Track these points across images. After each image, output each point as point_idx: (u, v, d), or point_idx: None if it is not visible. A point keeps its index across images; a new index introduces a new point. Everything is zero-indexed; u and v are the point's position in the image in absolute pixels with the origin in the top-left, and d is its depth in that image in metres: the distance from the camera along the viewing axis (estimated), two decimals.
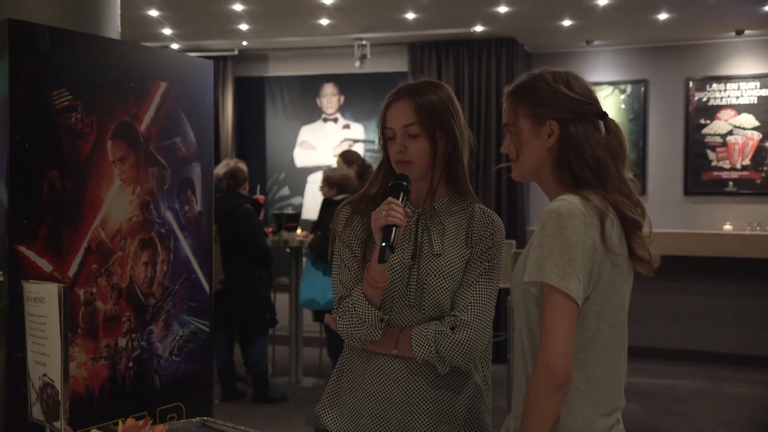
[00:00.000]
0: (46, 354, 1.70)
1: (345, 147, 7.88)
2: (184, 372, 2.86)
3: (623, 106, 7.49)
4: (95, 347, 2.55)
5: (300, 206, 8.03)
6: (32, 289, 1.75)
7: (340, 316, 1.94)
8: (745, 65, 7.15)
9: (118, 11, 2.84)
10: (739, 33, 6.94)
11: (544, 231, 1.64)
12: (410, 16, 6.49)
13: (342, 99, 8.01)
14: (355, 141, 7.94)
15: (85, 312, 2.51)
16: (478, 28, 6.92)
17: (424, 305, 1.94)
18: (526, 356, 1.72)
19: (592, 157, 1.73)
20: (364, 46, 7.12)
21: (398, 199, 1.86)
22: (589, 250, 1.62)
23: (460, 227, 1.97)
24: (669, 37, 7.11)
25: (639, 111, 7.44)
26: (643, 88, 7.42)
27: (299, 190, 8.18)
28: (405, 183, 1.90)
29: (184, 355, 2.86)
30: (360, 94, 7.90)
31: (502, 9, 6.19)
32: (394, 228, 1.81)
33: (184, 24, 6.82)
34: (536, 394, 1.60)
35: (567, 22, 6.60)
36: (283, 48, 7.92)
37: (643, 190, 7.41)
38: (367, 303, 1.88)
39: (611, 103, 7.50)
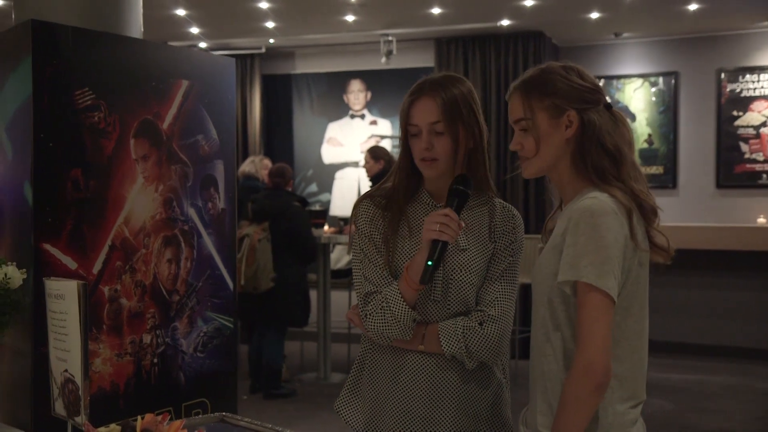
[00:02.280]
0: (66, 350, 1.72)
1: (373, 143, 7.90)
2: (209, 368, 2.88)
3: (654, 98, 7.41)
4: (120, 343, 2.58)
5: (328, 203, 8.06)
6: (53, 286, 1.78)
7: (370, 314, 1.92)
8: None
9: (141, 11, 2.87)
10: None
11: (577, 230, 1.63)
12: (436, 11, 6.48)
13: (369, 95, 8.02)
14: (383, 137, 7.95)
15: (109, 309, 2.55)
16: (505, 22, 6.88)
17: (449, 301, 1.94)
18: (550, 352, 1.71)
19: (612, 145, 1.72)
20: (390, 41, 7.12)
21: (457, 209, 1.86)
22: (622, 248, 1.62)
23: (482, 222, 1.97)
24: (699, 28, 7.02)
25: (669, 103, 7.36)
26: (673, 81, 7.34)
27: (327, 186, 8.20)
28: (463, 188, 1.89)
29: (208, 352, 2.89)
30: (386, 90, 7.91)
31: (529, 2, 6.16)
32: (441, 244, 1.81)
33: (210, 23, 6.87)
34: (575, 394, 1.60)
35: (595, 15, 6.54)
36: (310, 45, 7.94)
37: (674, 184, 7.33)
38: (404, 302, 1.88)
39: (641, 95, 7.42)
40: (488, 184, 2.01)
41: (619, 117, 1.78)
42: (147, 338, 2.68)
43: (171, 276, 2.73)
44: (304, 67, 8.23)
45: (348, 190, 8.09)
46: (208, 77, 2.81)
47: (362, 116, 8.05)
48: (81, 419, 1.68)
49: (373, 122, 8.01)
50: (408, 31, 7.16)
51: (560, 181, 1.80)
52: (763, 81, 7.09)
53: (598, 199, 1.65)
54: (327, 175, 8.21)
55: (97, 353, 2.50)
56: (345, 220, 6.70)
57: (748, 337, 6.88)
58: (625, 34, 7.31)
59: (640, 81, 7.45)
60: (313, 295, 6.64)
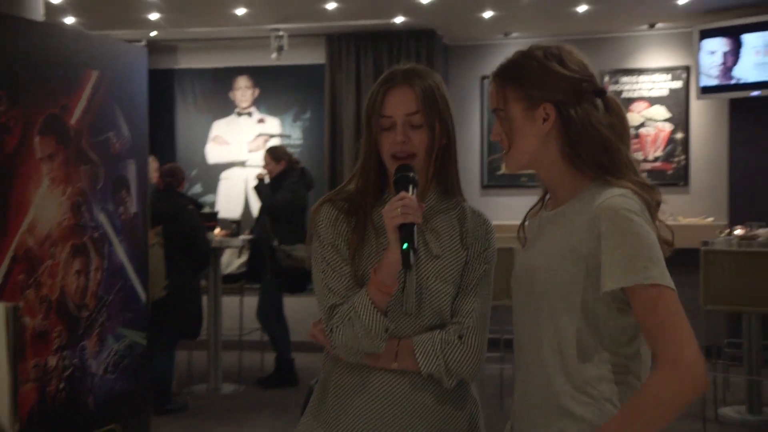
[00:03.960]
0: None
1: (261, 142, 7.62)
2: (120, 390, 2.61)
3: None
4: (22, 369, 2.27)
5: (213, 204, 7.71)
6: None
7: (336, 327, 1.73)
8: (656, 58, 7.24)
9: None
10: (652, 26, 7.05)
11: (615, 230, 1.48)
12: (329, 6, 6.30)
13: (257, 92, 7.73)
14: (271, 136, 7.68)
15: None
16: (399, 20, 6.78)
17: (423, 313, 1.76)
18: (558, 364, 1.55)
19: (600, 140, 1.58)
20: (281, 37, 6.87)
21: (409, 192, 1.68)
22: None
23: (453, 228, 1.81)
24: (584, 29, 7.15)
25: None
26: None
27: (212, 187, 7.85)
28: (411, 174, 1.71)
29: (119, 372, 2.61)
30: (275, 87, 7.64)
31: (425, 0, 6.07)
32: (409, 226, 1.63)
33: (89, 11, 6.42)
34: (671, 404, 1.42)
35: (488, 14, 6.54)
36: (195, 39, 7.58)
37: None
38: (374, 309, 1.69)
39: None
40: (458, 188, 1.85)
41: (613, 105, 1.63)
42: (53, 361, 2.38)
43: (80, 289, 2.44)
44: (188, 62, 7.85)
45: (234, 191, 7.78)
46: (119, 67, 2.53)
47: (249, 114, 7.75)
48: None
49: (261, 120, 7.73)
50: (300, 26, 6.93)
51: (551, 179, 1.65)
52: (642, 83, 7.29)
53: (625, 197, 1.51)
54: (212, 175, 7.86)
55: None
56: (238, 222, 6.41)
57: None
58: (514, 34, 7.35)
59: None
60: (203, 301, 6.33)
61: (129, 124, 2.56)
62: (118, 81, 2.52)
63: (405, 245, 1.62)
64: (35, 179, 2.25)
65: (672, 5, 6.37)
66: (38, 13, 2.51)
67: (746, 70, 6.55)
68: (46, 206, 2.29)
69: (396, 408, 1.75)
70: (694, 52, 6.81)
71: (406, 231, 1.63)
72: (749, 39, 6.57)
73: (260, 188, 6.16)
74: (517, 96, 1.60)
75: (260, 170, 6.29)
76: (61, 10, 6.25)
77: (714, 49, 6.68)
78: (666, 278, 1.45)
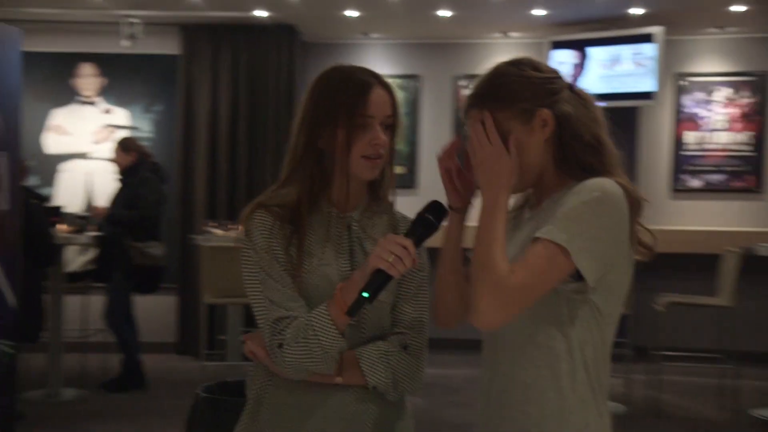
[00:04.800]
0: None
1: (106, 133, 7.22)
2: None
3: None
4: None
5: (49, 197, 7.21)
6: None
7: (288, 343, 1.60)
8: None
9: None
10: (506, 34, 7.27)
11: (579, 197, 1.46)
12: None
13: (103, 81, 7.30)
14: (119, 127, 7.28)
15: None
16: (259, 13, 6.61)
17: (364, 325, 1.67)
18: (539, 359, 1.53)
19: (591, 135, 1.56)
20: (134, 24, 6.52)
21: (418, 242, 1.58)
22: (617, 240, 1.49)
23: (386, 233, 1.73)
24: (443, 34, 7.28)
25: (412, 106, 7.54)
26: (415, 84, 7.52)
27: (50, 179, 7.34)
28: (436, 222, 1.61)
29: None
30: (124, 76, 7.25)
31: None
32: (386, 278, 1.54)
33: None
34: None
35: (350, 13, 6.51)
36: (34, 20, 7.05)
37: (415, 184, 7.53)
38: (335, 329, 1.58)
39: None
40: (388, 195, 1.77)
41: (585, 96, 1.61)
42: None
43: None
44: (27, 44, 7.28)
45: (74, 184, 7.32)
46: None
47: (95, 104, 7.31)
48: None
49: (108, 111, 7.30)
50: (154, 14, 6.61)
51: (541, 185, 1.61)
52: None
53: (610, 183, 1.49)
54: (49, 166, 7.35)
55: None
56: (85, 218, 6.02)
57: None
58: (374, 35, 7.37)
59: None
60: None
61: (1, 112, 2.31)
62: None
63: (366, 294, 1.53)
64: None
65: (526, 16, 6.61)
66: None
67: (592, 82, 6.88)
68: None
69: (339, 424, 1.66)
70: (545, 62, 7.06)
71: (378, 280, 1.54)
72: (594, 52, 6.92)
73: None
74: (511, 114, 1.56)
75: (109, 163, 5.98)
76: None
77: (563, 60, 6.98)
78: (573, 245, 1.43)
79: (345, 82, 1.68)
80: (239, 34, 7.02)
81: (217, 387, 2.42)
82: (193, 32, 7.03)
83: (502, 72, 1.59)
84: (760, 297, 6.35)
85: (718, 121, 7.19)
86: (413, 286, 1.73)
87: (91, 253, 5.99)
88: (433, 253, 1.68)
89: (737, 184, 7.11)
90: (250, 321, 6.62)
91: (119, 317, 5.79)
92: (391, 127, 1.68)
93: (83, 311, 6.17)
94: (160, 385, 5.98)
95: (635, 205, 1.52)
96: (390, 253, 1.53)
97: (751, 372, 6.01)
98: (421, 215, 1.62)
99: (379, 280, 1.54)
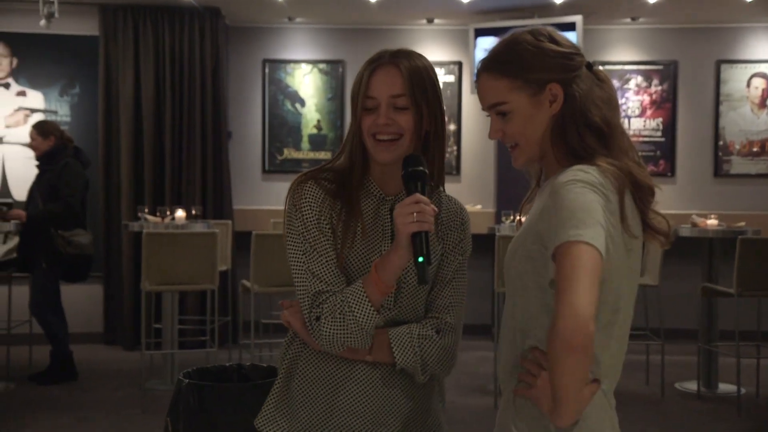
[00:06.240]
0: None
1: (21, 117, 6.90)
2: None
3: (322, 85, 7.50)
4: None
5: None
6: None
7: (324, 317, 1.61)
8: (433, 51, 7.50)
9: None
10: (431, 21, 7.34)
11: (556, 199, 1.42)
12: None
13: (15, 62, 6.96)
14: (33, 110, 6.96)
15: None
16: None
17: (399, 306, 1.69)
18: (518, 339, 1.52)
19: (601, 118, 1.52)
20: (52, 3, 6.24)
21: (423, 192, 1.58)
22: (607, 222, 1.41)
23: None
24: (367, 20, 7.28)
25: (337, 91, 7.51)
26: (340, 69, 7.49)
27: None
28: (421, 168, 1.61)
29: None
30: (39, 57, 6.92)
31: None
32: (424, 234, 1.54)
33: None
34: (556, 348, 1.33)
35: None
36: None
37: None
38: (370, 306, 1.59)
39: (311, 81, 7.48)
40: (443, 177, 1.78)
41: (603, 77, 1.58)
42: None
43: None
44: None
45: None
46: None
47: (7, 86, 6.97)
48: None
49: (22, 93, 6.97)
50: None
51: (546, 162, 1.58)
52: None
53: (583, 171, 1.44)
54: None
55: None
56: (10, 204, 5.74)
57: None
58: (299, 19, 7.30)
59: (309, 67, 7.50)
60: None
61: None
62: None
63: (421, 258, 1.53)
64: None
65: (451, 3, 6.67)
66: None
67: None
68: None
69: (368, 401, 1.68)
70: (469, 49, 7.17)
71: (420, 240, 1.54)
72: None
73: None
74: (519, 84, 1.53)
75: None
76: None
77: (487, 47, 7.05)
78: (585, 234, 1.35)
79: (365, 63, 1.71)
80: (162, 15, 6.82)
81: (198, 372, 2.38)
82: (113, 12, 6.78)
83: (518, 40, 1.56)
84: (682, 276, 6.61)
85: (629, 108, 7.48)
86: (451, 270, 1.75)
87: (13, 242, 5.73)
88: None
89: (650, 168, 7.41)
90: (184, 309, 6.50)
91: (46, 308, 5.58)
92: (407, 106, 1.65)
93: (8, 302, 5.90)
94: (91, 376, 5.83)
95: (639, 188, 1.49)
96: (408, 214, 1.54)
97: (675, 348, 6.26)
98: (406, 170, 1.61)
99: (419, 241, 1.54)
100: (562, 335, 1.31)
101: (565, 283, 1.33)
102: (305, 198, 1.68)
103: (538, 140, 1.56)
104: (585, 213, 1.38)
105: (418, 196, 1.57)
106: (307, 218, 1.67)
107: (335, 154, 1.75)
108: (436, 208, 1.59)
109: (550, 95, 1.53)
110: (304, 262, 1.66)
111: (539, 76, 1.52)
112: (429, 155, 1.72)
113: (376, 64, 1.68)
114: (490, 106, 1.58)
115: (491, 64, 1.57)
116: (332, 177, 1.71)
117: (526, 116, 1.54)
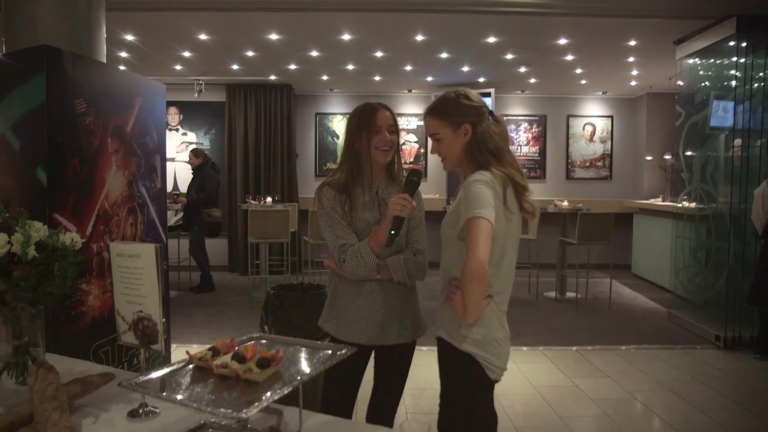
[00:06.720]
0: (142, 296, 1.29)
1: (183, 147, 6.93)
2: None
3: None
4: (104, 284, 2.00)
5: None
6: (122, 248, 1.31)
7: (348, 260, 1.61)
8: (411, 107, 7.52)
9: (104, 38, 2.20)
10: (410, 91, 7.28)
11: (464, 192, 1.38)
12: (234, 66, 5.85)
13: (181, 116, 6.96)
14: (190, 143, 6.97)
15: (97, 260, 1.96)
16: (271, 77, 6.45)
17: (392, 247, 1.69)
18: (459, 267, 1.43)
19: (494, 145, 1.47)
20: (201, 83, 6.26)
21: (412, 195, 1.57)
22: (493, 200, 1.38)
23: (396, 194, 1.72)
24: (373, 90, 7.19)
25: None
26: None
27: None
28: (416, 179, 1.59)
29: None
30: (194, 114, 6.91)
31: (292, 66, 5.84)
32: (401, 219, 1.55)
33: None
34: (466, 280, 1.30)
35: (324, 77, 6.42)
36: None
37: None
38: (372, 254, 1.62)
39: (342, 124, 7.41)
40: (400, 174, 1.73)
41: (499, 119, 1.51)
42: None
43: (132, 235, 2.17)
44: None
45: (168, 176, 7.00)
46: (151, 96, 2.25)
47: (177, 129, 6.95)
48: (160, 346, 1.28)
49: (184, 133, 6.96)
50: (211, 78, 6.34)
51: (464, 169, 1.52)
52: (404, 124, 7.49)
53: (481, 174, 1.42)
54: None
55: (90, 292, 1.91)
56: (178, 194, 5.81)
57: None
58: (336, 90, 7.23)
59: (341, 117, 7.46)
60: None
61: (157, 132, 2.31)
62: (150, 105, 2.26)
63: (393, 232, 1.55)
64: (108, 165, 1.98)
65: (422, 80, 6.56)
66: (102, 55, 2.18)
67: None
68: (114, 183, 2.02)
69: (380, 300, 1.68)
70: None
71: (397, 222, 1.55)
72: None
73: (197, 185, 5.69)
74: (446, 123, 1.48)
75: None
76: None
77: None
78: (482, 212, 1.32)
79: (365, 109, 1.70)
80: (258, 89, 6.84)
81: (279, 287, 2.44)
82: (234, 88, 6.80)
83: (446, 96, 1.52)
84: (549, 233, 6.61)
85: (520, 140, 7.48)
86: (416, 221, 1.73)
87: (180, 215, 5.83)
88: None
89: (531, 175, 7.45)
90: (272, 252, 6.56)
91: (197, 251, 5.68)
92: (395, 132, 1.67)
93: (177, 247, 5.98)
94: (222, 289, 5.82)
95: (516, 186, 1.46)
96: (398, 204, 1.56)
97: (544, 273, 6.19)
98: (407, 178, 1.61)
99: (398, 222, 1.56)
100: (469, 271, 1.29)
101: (471, 242, 1.31)
102: (324, 196, 1.68)
103: (458, 156, 1.51)
104: (482, 199, 1.35)
105: (407, 195, 1.57)
106: (327, 207, 1.67)
107: (337, 167, 1.73)
108: (414, 204, 1.57)
109: (464, 130, 1.49)
110: (332, 229, 1.66)
111: (458, 119, 1.48)
112: (398, 159, 1.72)
113: (377, 108, 1.68)
114: (430, 134, 1.56)
115: (431, 110, 1.54)
116: (338, 182, 1.70)
117: (450, 142, 1.50)
